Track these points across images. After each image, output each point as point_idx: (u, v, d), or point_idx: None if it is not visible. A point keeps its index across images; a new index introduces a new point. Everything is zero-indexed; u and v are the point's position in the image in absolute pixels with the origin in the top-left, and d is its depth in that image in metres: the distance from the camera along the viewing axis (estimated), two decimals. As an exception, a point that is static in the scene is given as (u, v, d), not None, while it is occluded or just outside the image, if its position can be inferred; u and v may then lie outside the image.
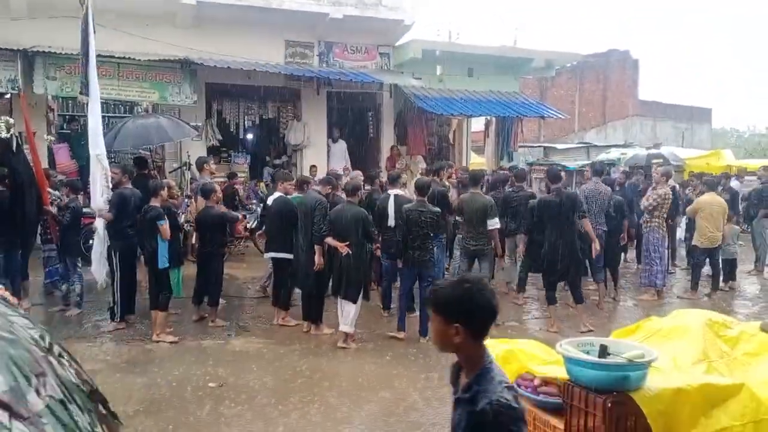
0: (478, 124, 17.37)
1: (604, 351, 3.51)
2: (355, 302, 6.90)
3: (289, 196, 7.66)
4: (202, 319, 7.70)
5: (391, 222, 7.52)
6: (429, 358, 6.48)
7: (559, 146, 24.15)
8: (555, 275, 7.63)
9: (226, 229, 7.95)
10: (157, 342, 6.84)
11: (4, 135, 7.72)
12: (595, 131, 29.56)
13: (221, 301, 8.14)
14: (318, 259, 7.09)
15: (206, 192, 7.85)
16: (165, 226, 6.87)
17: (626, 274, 10.82)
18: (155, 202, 6.97)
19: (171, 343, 6.83)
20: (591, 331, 7.19)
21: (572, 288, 7.78)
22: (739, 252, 10.41)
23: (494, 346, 4.64)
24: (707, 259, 9.47)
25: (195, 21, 12.23)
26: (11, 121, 7.92)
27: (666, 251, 9.49)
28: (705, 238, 9.20)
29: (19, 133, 7.94)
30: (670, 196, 9.05)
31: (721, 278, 9.72)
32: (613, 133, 29.32)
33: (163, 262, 6.92)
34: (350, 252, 6.80)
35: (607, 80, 30.74)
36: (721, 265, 9.62)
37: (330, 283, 7.22)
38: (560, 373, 3.76)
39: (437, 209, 7.30)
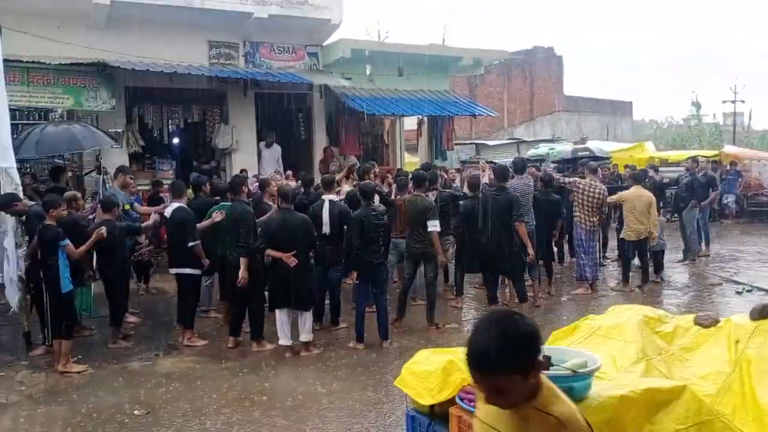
0: (410, 123, 17.32)
1: (547, 361, 3.42)
2: (310, 310, 6.79)
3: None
4: (126, 337, 7.25)
5: (326, 229, 7.25)
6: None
7: (490, 143, 24.50)
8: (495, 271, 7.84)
9: (125, 244, 7.34)
10: (63, 373, 6.16)
11: None
12: (524, 127, 30.18)
13: (134, 318, 7.92)
14: (243, 273, 6.74)
15: (107, 205, 7.20)
16: (69, 246, 6.20)
17: (564, 269, 10.95)
18: (50, 220, 6.25)
19: (79, 372, 6.21)
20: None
21: (515, 284, 8.00)
22: (667, 243, 10.69)
23: (435, 357, 4.50)
24: (636, 252, 9.67)
25: (110, 22, 11.56)
26: None
27: (595, 244, 9.59)
28: (631, 230, 9.32)
29: None
30: (592, 190, 9.11)
31: (651, 270, 9.91)
32: (541, 129, 30.02)
33: (66, 284, 6.23)
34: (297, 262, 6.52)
35: (534, 77, 31.49)
36: (649, 257, 9.82)
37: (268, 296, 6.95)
38: (503, 383, 3.65)
39: (384, 208, 7.33)
